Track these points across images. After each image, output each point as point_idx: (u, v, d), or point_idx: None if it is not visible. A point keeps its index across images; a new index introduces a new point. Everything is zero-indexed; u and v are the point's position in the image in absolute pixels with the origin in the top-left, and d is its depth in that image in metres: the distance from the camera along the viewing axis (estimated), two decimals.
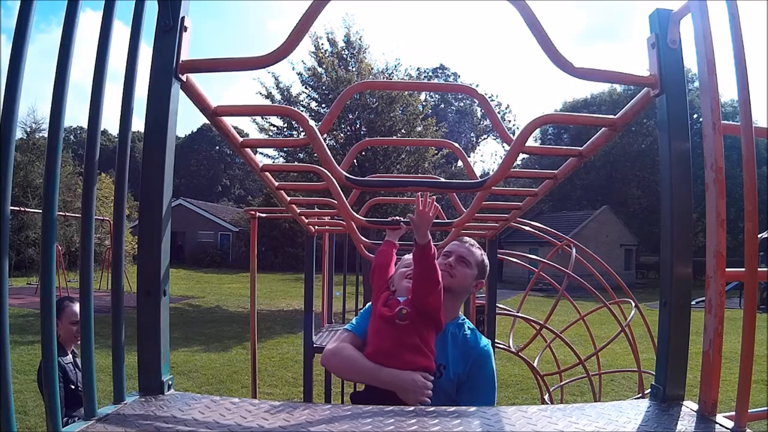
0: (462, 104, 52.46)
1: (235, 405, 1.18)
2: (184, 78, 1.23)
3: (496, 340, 3.57)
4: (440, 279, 1.78)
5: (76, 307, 3.48)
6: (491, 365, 1.95)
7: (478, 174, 2.81)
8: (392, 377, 1.69)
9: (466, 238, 2.17)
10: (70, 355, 3.52)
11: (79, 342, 3.82)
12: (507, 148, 1.62)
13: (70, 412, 3.10)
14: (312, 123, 1.38)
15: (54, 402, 0.99)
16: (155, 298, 1.20)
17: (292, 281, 24.50)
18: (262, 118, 18.64)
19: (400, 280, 1.87)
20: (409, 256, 1.89)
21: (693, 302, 1.26)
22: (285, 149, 17.21)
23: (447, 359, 1.90)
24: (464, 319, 2.08)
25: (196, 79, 1.28)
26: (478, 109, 50.65)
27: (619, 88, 39.60)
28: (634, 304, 5.50)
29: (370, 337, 1.83)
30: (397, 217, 2.04)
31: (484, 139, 55.44)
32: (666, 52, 1.25)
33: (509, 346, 5.69)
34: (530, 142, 1.53)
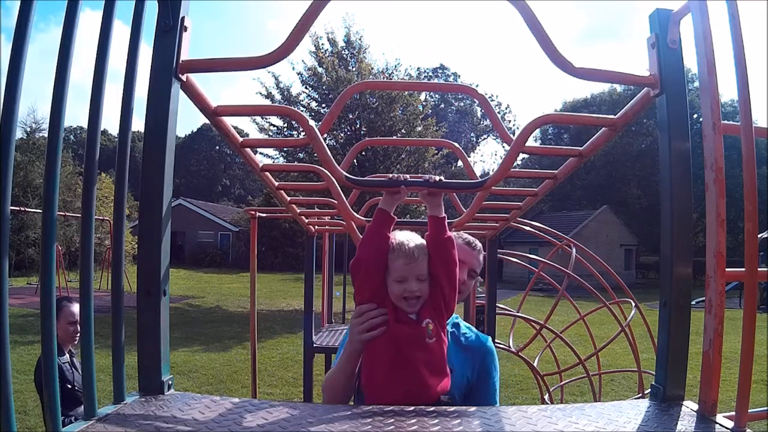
0: (462, 104, 52.48)
1: (235, 405, 1.17)
2: (184, 78, 1.23)
3: (496, 340, 3.56)
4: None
5: (74, 307, 3.49)
6: (497, 364, 1.81)
7: (478, 174, 2.81)
8: (348, 344, 1.49)
9: (471, 239, 1.98)
10: (67, 355, 3.53)
11: (77, 342, 3.84)
12: (507, 148, 1.62)
13: (66, 411, 3.11)
14: (312, 123, 1.38)
15: (54, 402, 0.99)
16: (155, 298, 1.20)
17: (292, 281, 24.49)
18: (262, 118, 18.64)
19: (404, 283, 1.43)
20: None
21: (693, 302, 1.26)
22: (285, 149, 17.21)
23: (452, 362, 1.62)
24: (457, 316, 1.91)
25: (196, 79, 1.28)
26: (478, 109, 50.67)
27: (619, 88, 39.60)
28: (634, 304, 5.50)
29: (373, 366, 1.44)
30: (396, 175, 1.48)
31: (484, 139, 55.52)
32: (666, 52, 1.25)
33: (509, 346, 5.69)
34: (530, 142, 1.53)
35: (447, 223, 1.51)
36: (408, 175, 1.48)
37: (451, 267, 1.47)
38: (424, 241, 1.50)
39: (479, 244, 1.98)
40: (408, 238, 1.50)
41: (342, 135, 18.68)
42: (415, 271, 1.43)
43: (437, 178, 1.45)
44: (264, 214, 4.63)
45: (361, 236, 3.00)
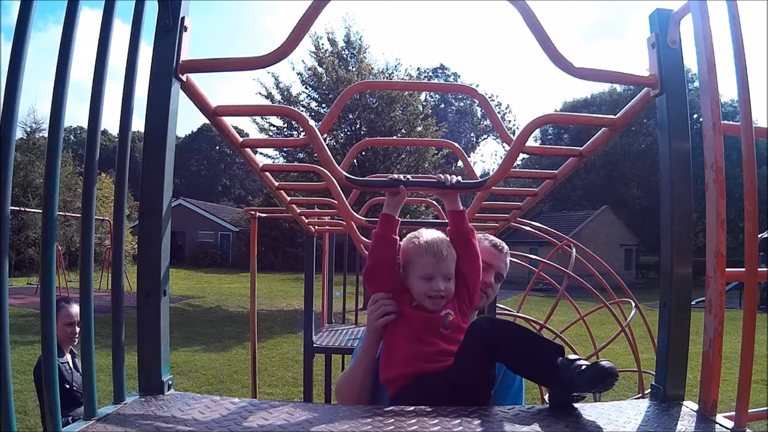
0: (462, 104, 52.48)
1: (235, 405, 1.17)
2: (184, 78, 1.23)
3: None
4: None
5: (72, 308, 3.49)
6: None
7: (478, 174, 2.81)
8: (366, 336, 1.51)
9: (497, 241, 1.92)
10: (68, 356, 3.52)
11: (75, 342, 3.82)
12: (507, 148, 1.62)
13: (65, 412, 3.11)
14: (312, 123, 1.38)
15: (54, 402, 0.99)
16: (155, 298, 1.20)
17: (292, 281, 24.48)
18: (262, 118, 18.65)
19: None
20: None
21: (693, 302, 1.26)
22: (285, 149, 17.22)
23: None
24: None
25: (196, 78, 1.28)
26: (478, 109, 50.66)
27: (619, 87, 39.60)
28: (634, 304, 5.50)
29: (392, 351, 1.44)
30: (398, 175, 1.47)
31: (484, 139, 55.50)
32: (666, 52, 1.25)
33: None
34: (530, 142, 1.54)
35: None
36: (410, 176, 1.52)
37: (473, 259, 1.51)
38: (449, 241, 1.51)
39: (505, 246, 1.94)
40: (436, 236, 1.51)
41: (342, 135, 18.69)
42: (443, 270, 1.44)
43: (455, 178, 1.48)
44: (264, 214, 4.63)
45: (361, 236, 2.99)
